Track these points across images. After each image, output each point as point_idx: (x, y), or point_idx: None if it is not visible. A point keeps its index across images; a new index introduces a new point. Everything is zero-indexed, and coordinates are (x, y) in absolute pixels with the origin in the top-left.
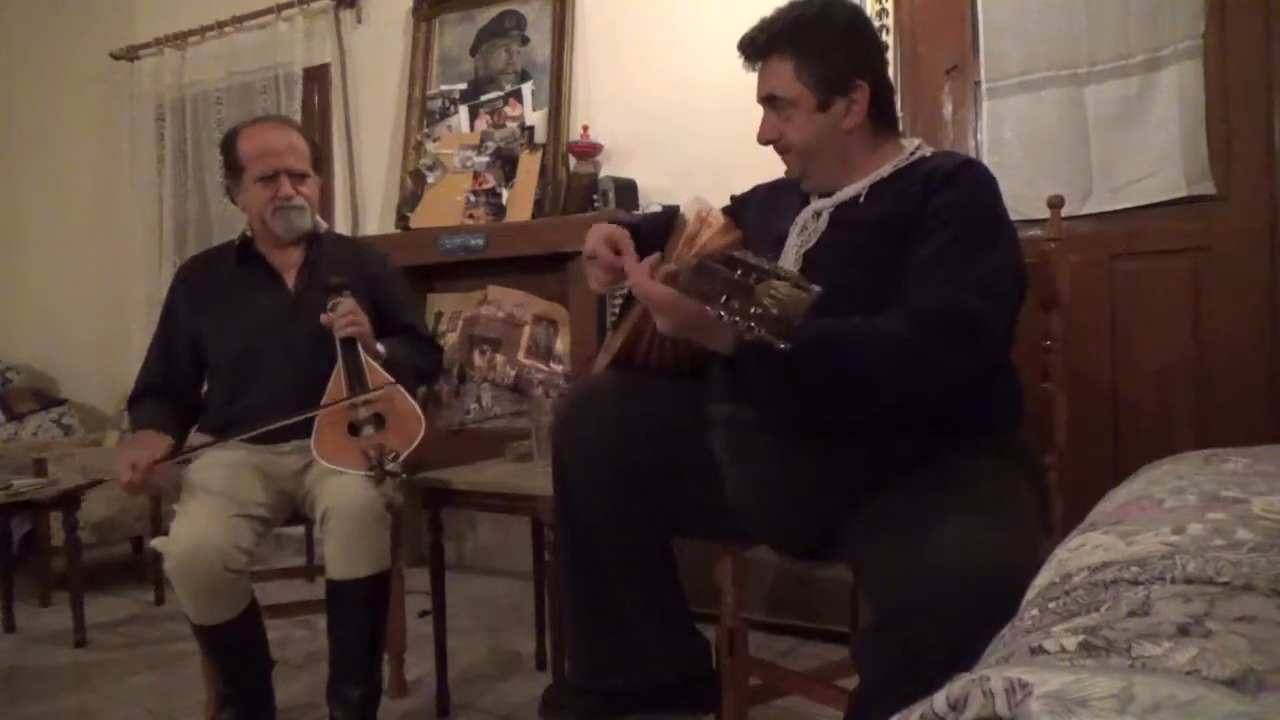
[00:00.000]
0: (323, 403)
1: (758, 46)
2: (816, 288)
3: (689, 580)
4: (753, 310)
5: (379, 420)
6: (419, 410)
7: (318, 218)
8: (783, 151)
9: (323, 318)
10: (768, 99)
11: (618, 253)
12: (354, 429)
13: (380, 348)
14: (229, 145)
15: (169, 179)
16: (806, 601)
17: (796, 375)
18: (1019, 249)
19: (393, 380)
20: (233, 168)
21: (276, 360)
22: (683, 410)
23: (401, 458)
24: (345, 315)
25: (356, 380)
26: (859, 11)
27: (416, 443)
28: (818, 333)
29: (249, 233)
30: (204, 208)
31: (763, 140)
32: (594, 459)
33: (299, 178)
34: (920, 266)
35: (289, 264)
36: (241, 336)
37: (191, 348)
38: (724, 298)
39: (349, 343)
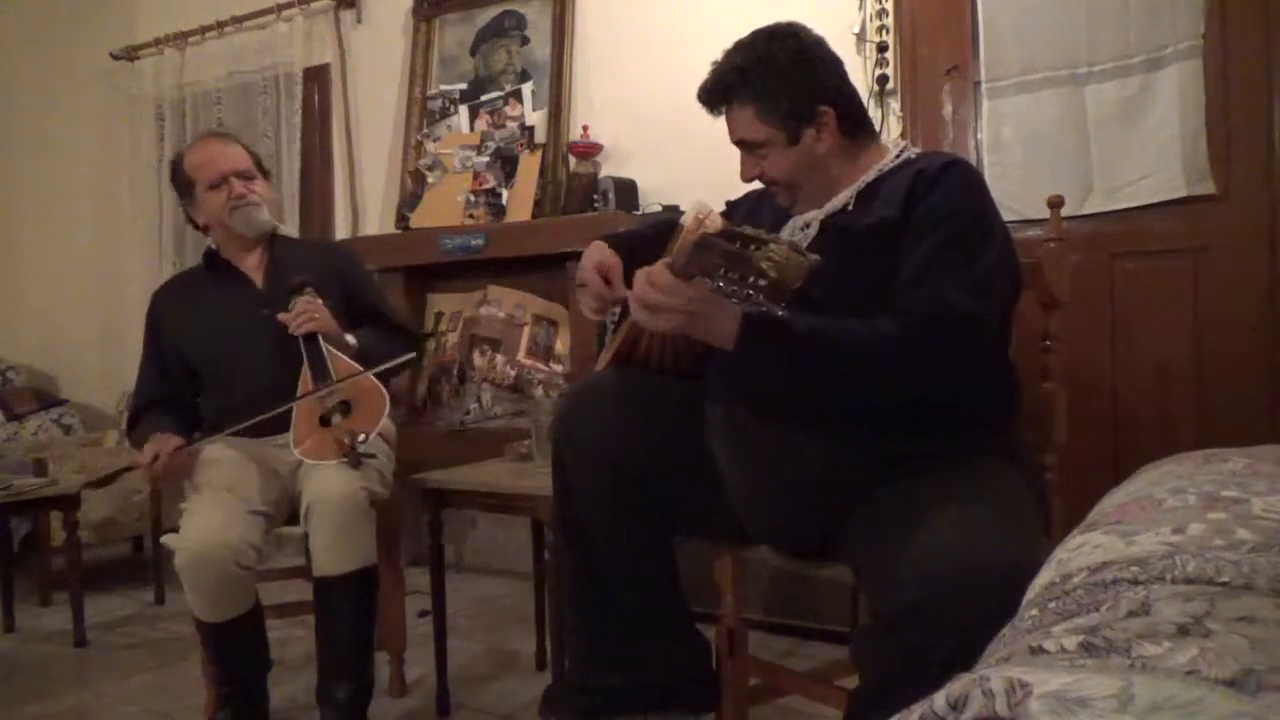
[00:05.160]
0: (296, 398)
1: (715, 98)
2: (814, 255)
3: (689, 580)
4: (751, 279)
5: (346, 407)
6: (383, 389)
7: (274, 220)
8: (768, 185)
9: (280, 316)
10: (740, 143)
11: (608, 280)
12: (325, 420)
13: (350, 339)
14: (176, 170)
15: (169, 179)
16: (806, 601)
17: (792, 365)
18: (1011, 245)
19: (359, 369)
20: (184, 189)
21: (255, 358)
22: (682, 410)
23: (370, 436)
24: (301, 313)
25: (320, 373)
26: (804, 36)
27: (384, 419)
28: (814, 324)
29: (213, 245)
30: None
31: (746, 180)
32: (594, 459)
33: (246, 178)
34: (912, 268)
35: (254, 265)
36: (220, 340)
37: (181, 361)
38: (723, 269)
39: (310, 338)
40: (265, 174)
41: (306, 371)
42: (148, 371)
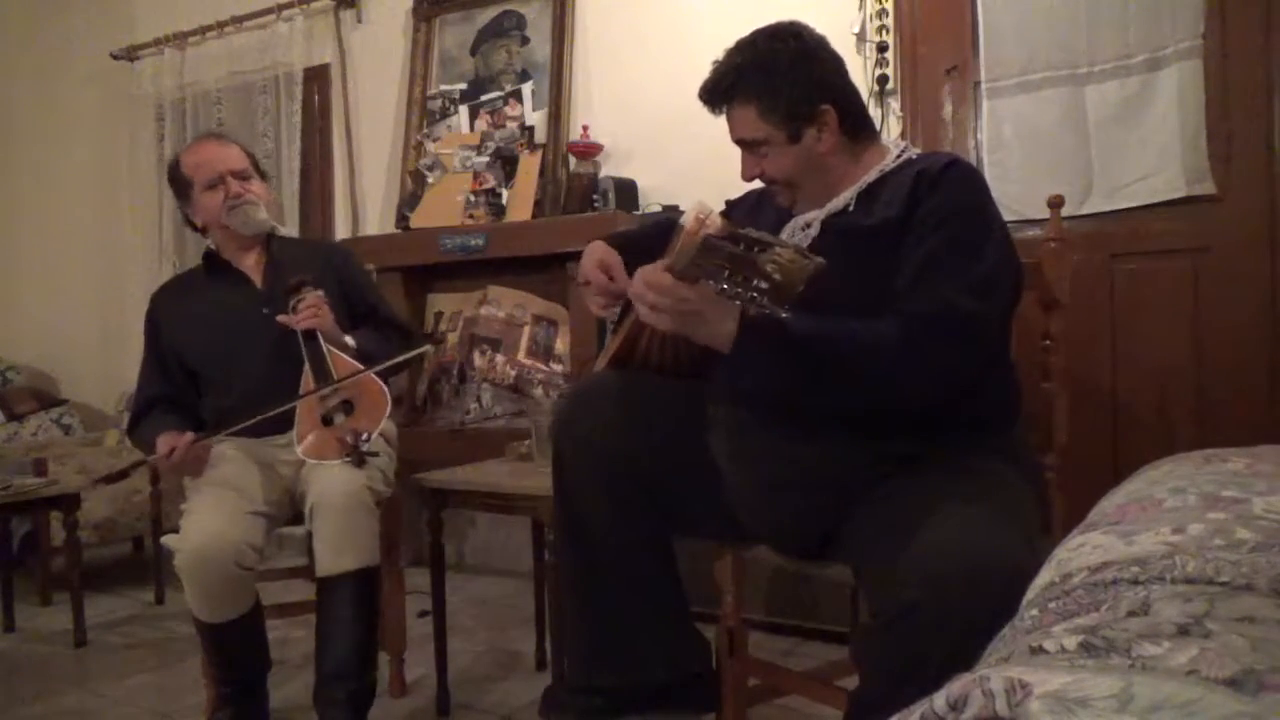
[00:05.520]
0: (298, 397)
1: (717, 97)
2: (820, 259)
3: (689, 580)
4: (755, 282)
5: (348, 406)
6: (384, 388)
7: (272, 221)
8: (769, 184)
9: (279, 319)
10: (740, 142)
11: (610, 277)
12: (327, 420)
13: (349, 340)
14: (173, 172)
15: (167, 180)
16: (806, 601)
17: (791, 367)
18: (1012, 245)
19: (360, 368)
20: (182, 190)
21: (255, 357)
22: (683, 410)
23: (373, 436)
24: (307, 307)
25: (321, 373)
26: (806, 36)
27: (385, 419)
28: (815, 326)
29: (212, 246)
30: None
31: (746, 179)
32: (594, 458)
33: (243, 178)
34: (914, 269)
35: (253, 265)
36: (221, 340)
37: (180, 362)
38: (727, 272)
39: (311, 338)
40: (262, 175)
41: (308, 371)
42: (149, 372)
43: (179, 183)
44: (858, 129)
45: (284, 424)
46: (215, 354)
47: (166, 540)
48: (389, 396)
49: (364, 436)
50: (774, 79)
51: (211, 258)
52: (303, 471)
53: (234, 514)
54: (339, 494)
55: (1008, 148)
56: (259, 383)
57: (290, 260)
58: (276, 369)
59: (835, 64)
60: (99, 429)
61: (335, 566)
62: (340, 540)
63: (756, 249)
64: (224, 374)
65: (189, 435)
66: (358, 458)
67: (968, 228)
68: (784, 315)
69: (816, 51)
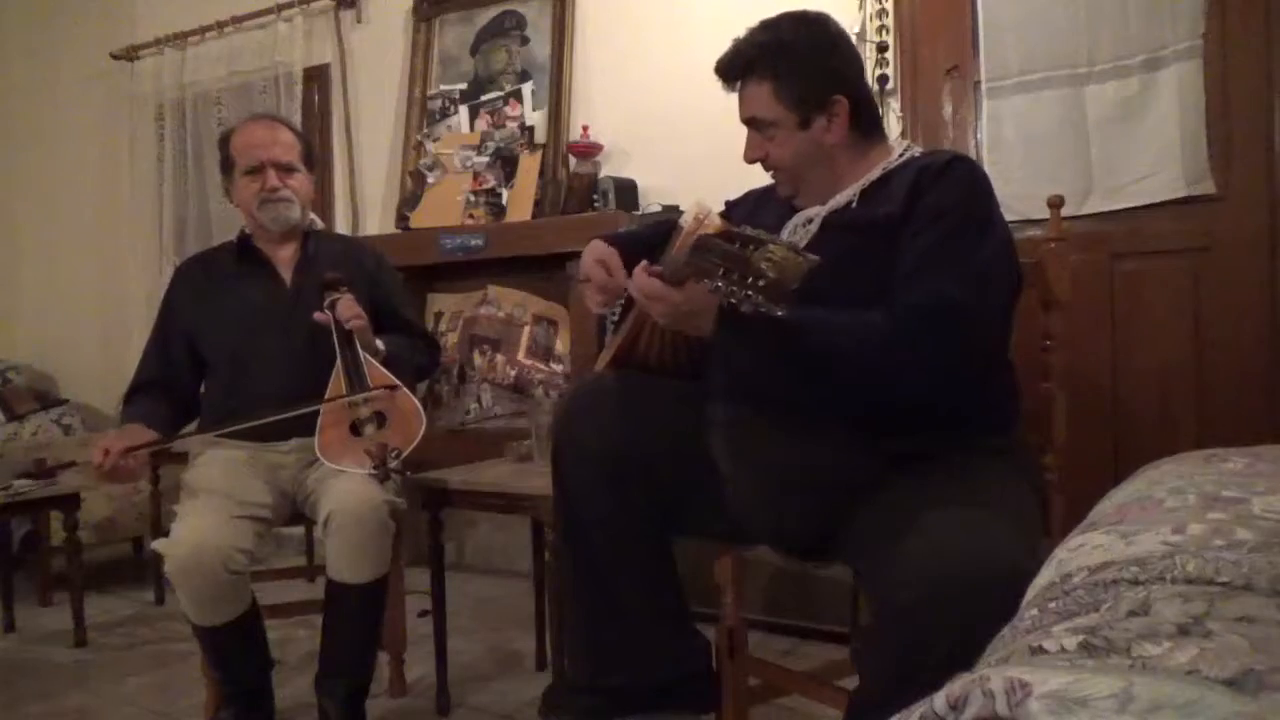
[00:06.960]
0: (325, 399)
1: (735, 70)
2: (814, 256)
3: (689, 580)
4: (750, 280)
5: (380, 418)
6: (419, 407)
7: (312, 215)
8: (771, 170)
9: (317, 316)
10: (750, 121)
11: (610, 273)
12: (355, 429)
13: (380, 344)
14: (223, 145)
15: (169, 179)
16: (806, 601)
17: (777, 355)
18: (1011, 242)
19: (395, 380)
20: (226, 164)
21: (272, 356)
22: (682, 410)
23: (403, 455)
24: (349, 309)
25: (356, 379)
26: (830, 26)
27: (418, 440)
28: (803, 314)
29: (247, 229)
30: (204, 208)
31: (749, 160)
32: (594, 459)
33: (286, 170)
34: (910, 262)
35: (286, 260)
36: (238, 332)
37: (188, 345)
38: (722, 271)
39: (348, 341)
40: (310, 165)
41: (340, 375)
42: (151, 350)
43: (225, 158)
44: (867, 126)
45: (287, 431)
46: (228, 346)
47: (155, 545)
48: (424, 419)
49: (394, 452)
50: (793, 61)
51: (245, 242)
52: (312, 474)
53: (222, 518)
54: (359, 506)
55: (1008, 148)
56: (271, 385)
57: (325, 260)
58: (291, 373)
59: (854, 58)
60: (99, 429)
61: (348, 577)
62: (357, 554)
63: (751, 247)
64: (234, 369)
65: (123, 442)
66: (384, 473)
67: (966, 223)
68: (779, 313)
69: (838, 42)
